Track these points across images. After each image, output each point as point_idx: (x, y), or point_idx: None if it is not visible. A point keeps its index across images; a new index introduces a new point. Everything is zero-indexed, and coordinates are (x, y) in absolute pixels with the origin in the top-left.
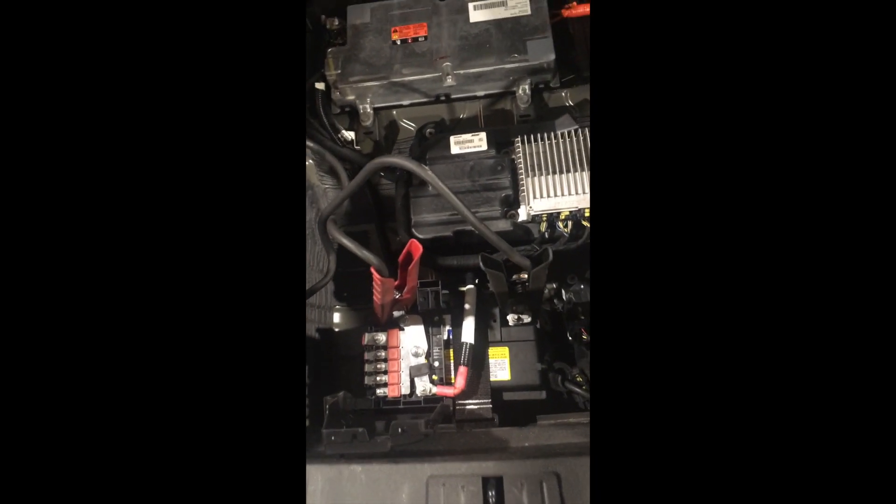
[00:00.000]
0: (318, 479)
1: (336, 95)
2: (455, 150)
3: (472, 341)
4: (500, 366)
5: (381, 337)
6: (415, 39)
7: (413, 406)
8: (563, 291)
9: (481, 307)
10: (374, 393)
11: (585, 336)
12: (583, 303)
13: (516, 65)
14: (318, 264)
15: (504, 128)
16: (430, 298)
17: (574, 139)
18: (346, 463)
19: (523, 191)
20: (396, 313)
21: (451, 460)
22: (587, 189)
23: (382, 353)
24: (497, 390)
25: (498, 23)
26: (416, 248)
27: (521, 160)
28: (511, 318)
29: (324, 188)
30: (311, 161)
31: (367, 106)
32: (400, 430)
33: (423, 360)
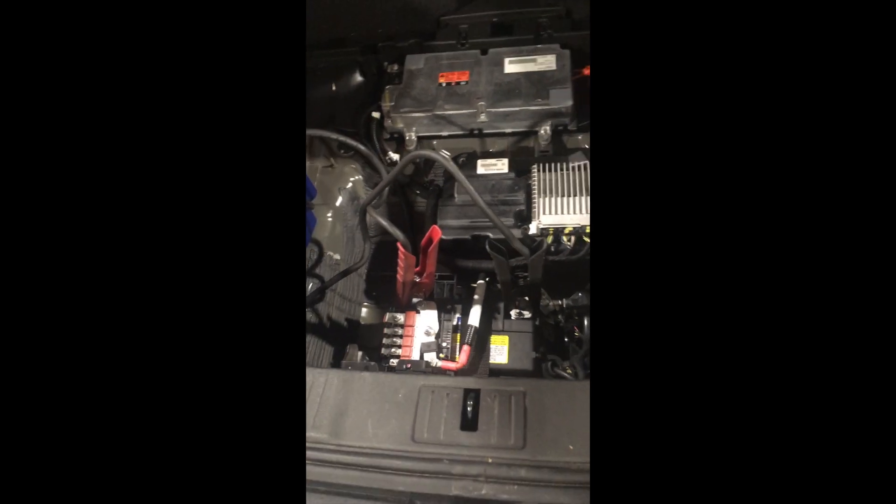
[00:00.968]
0: (335, 380)
1: (388, 123)
2: (480, 170)
3: (478, 325)
4: (499, 351)
5: (400, 317)
6: (457, 83)
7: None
8: (564, 300)
9: (489, 300)
10: (388, 360)
11: (577, 333)
12: (578, 306)
13: (539, 108)
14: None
15: (525, 158)
16: (445, 289)
17: (583, 172)
18: (358, 371)
19: (535, 208)
20: (415, 299)
21: (441, 377)
22: (588, 210)
23: (399, 330)
24: (494, 371)
25: (527, 74)
26: (436, 233)
27: (536, 183)
28: (514, 312)
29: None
30: (360, 177)
31: (413, 134)
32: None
33: (433, 339)
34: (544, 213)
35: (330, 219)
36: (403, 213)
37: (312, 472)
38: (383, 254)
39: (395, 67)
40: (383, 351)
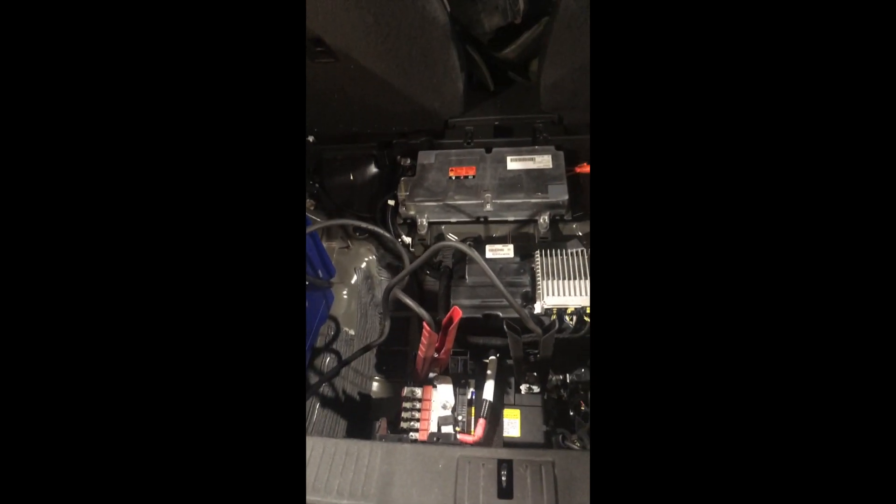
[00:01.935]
0: (378, 452)
1: (402, 210)
2: (489, 254)
3: (492, 399)
4: (512, 424)
5: (418, 391)
6: (466, 177)
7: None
8: (567, 375)
9: (500, 375)
10: (408, 433)
11: (583, 407)
12: (582, 381)
13: (539, 200)
14: (367, 335)
15: (527, 244)
16: (459, 365)
17: (580, 257)
18: (399, 442)
19: (539, 289)
20: (431, 374)
21: (476, 448)
22: (588, 293)
23: (417, 404)
24: (509, 444)
25: (527, 171)
26: (457, 313)
27: (539, 267)
28: (524, 387)
29: (380, 279)
30: (373, 257)
31: (424, 220)
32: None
33: (449, 412)
34: (548, 294)
35: (346, 296)
36: (415, 292)
37: None
38: (394, 330)
39: (408, 161)
40: (402, 424)
